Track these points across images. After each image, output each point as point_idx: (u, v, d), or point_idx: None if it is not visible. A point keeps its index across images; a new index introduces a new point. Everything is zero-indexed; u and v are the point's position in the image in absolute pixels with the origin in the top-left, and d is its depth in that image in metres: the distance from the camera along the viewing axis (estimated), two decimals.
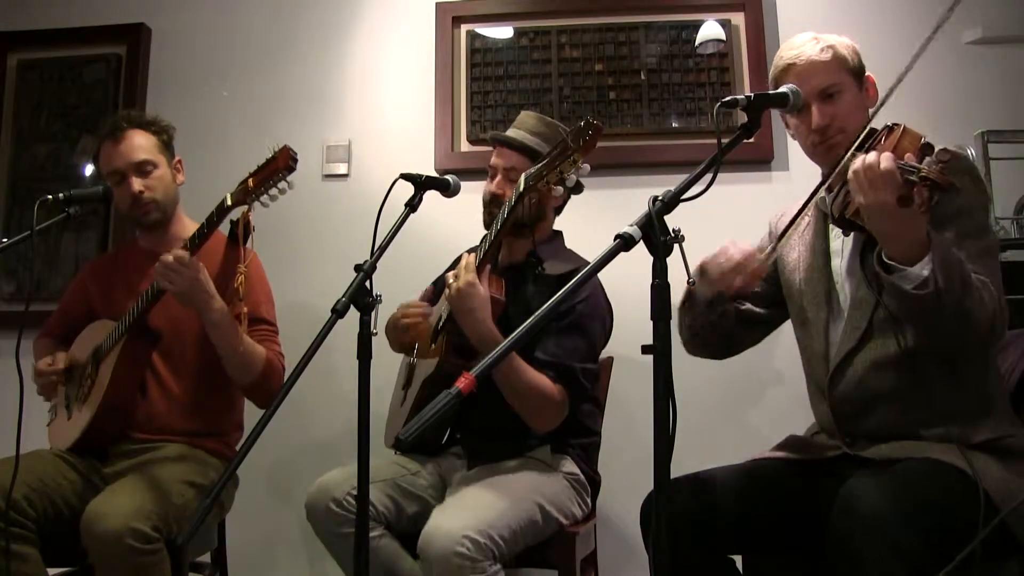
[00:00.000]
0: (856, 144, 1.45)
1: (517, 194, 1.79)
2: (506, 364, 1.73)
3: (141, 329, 1.98)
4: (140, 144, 2.06)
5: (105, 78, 2.95)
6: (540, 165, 1.73)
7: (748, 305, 1.78)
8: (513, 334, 1.14)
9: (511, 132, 2.09)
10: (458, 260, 2.18)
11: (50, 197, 1.92)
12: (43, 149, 2.94)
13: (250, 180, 1.83)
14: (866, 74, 1.62)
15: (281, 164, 1.79)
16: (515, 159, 2.03)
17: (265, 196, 1.84)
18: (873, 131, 1.45)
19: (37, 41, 2.99)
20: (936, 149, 1.29)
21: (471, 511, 1.66)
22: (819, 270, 1.63)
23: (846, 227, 1.48)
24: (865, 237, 1.50)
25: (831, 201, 1.48)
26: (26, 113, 2.97)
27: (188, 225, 2.17)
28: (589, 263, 2.02)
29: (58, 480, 1.90)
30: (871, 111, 1.57)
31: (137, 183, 2.04)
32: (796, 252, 1.70)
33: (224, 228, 2.01)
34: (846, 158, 1.42)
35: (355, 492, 1.74)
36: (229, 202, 1.87)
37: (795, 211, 1.78)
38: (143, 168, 2.05)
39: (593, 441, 2.05)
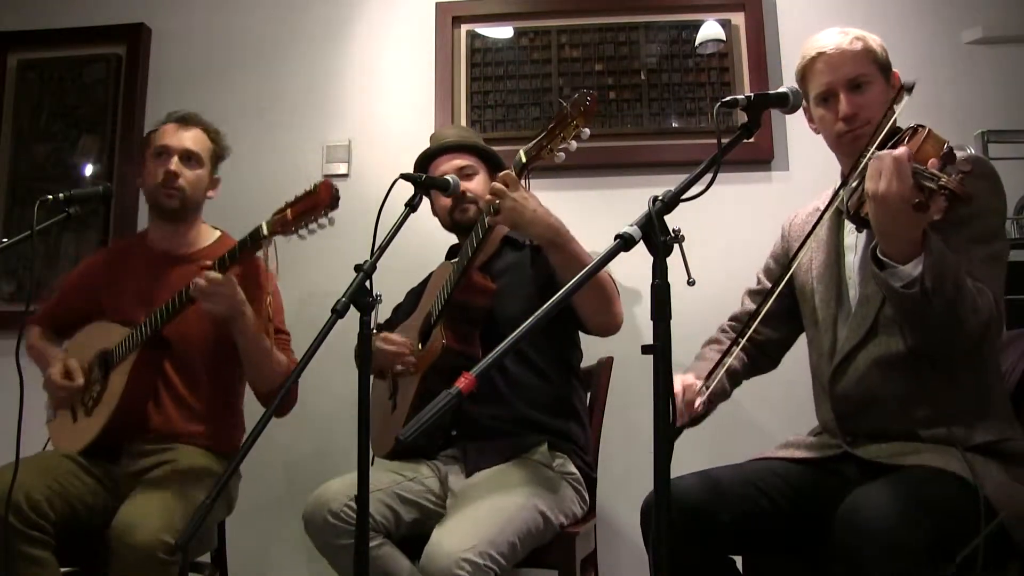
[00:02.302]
0: (879, 142, 1.44)
1: (519, 166, 1.81)
2: (580, 263, 1.77)
3: (157, 341, 1.98)
4: (200, 140, 2.12)
5: (105, 78, 2.95)
6: (540, 138, 1.75)
7: (766, 333, 1.79)
8: (519, 329, 1.13)
9: (443, 142, 2.15)
10: (428, 278, 2.24)
11: (50, 197, 1.92)
12: (43, 149, 2.94)
13: (288, 211, 1.76)
14: (893, 71, 1.62)
15: (323, 199, 1.70)
16: (464, 158, 2.11)
17: (304, 230, 1.75)
18: (898, 130, 1.45)
19: (37, 41, 2.99)
20: (959, 158, 1.28)
21: (471, 529, 1.66)
22: (831, 267, 1.64)
23: (859, 224, 1.48)
24: (870, 251, 1.49)
25: (847, 197, 1.48)
26: (26, 113, 2.97)
27: (205, 233, 2.18)
28: None
29: (74, 482, 1.90)
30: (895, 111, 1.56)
31: (176, 164, 2.06)
32: (808, 252, 1.70)
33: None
34: (868, 155, 1.41)
35: (352, 503, 1.75)
36: (265, 232, 1.80)
37: (807, 213, 1.78)
38: (190, 157, 2.09)
39: (585, 431, 2.05)
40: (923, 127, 1.38)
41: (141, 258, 2.16)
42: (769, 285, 1.82)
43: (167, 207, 2.09)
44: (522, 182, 1.83)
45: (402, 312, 2.26)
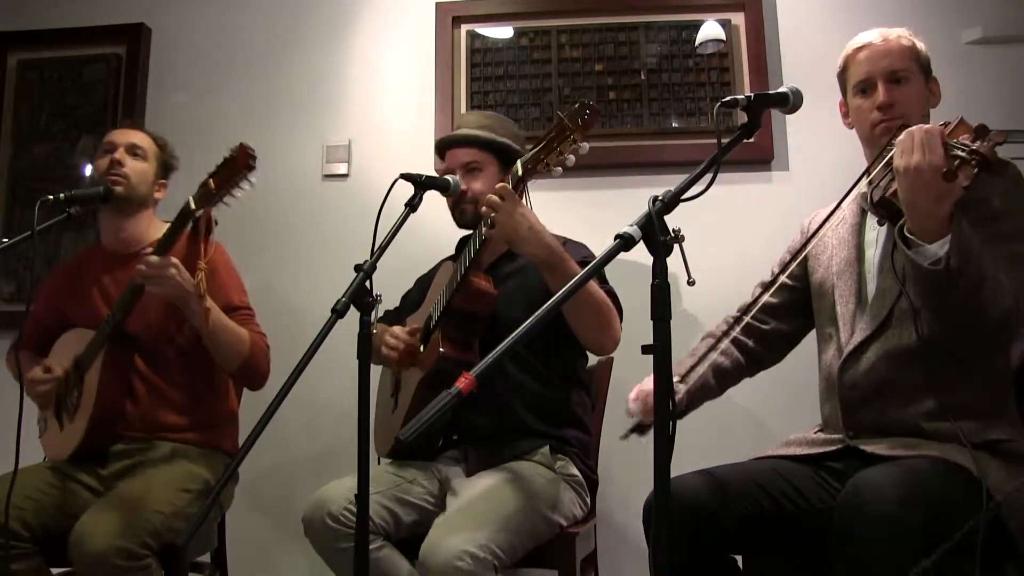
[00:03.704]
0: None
1: (516, 179, 1.77)
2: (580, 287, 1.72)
3: (120, 337, 1.99)
4: (145, 140, 2.17)
5: (105, 78, 2.95)
6: (537, 149, 1.71)
7: (773, 324, 1.79)
8: (516, 332, 1.13)
9: (456, 132, 2.13)
10: (437, 268, 2.22)
11: (51, 197, 1.93)
12: (43, 149, 2.94)
13: (211, 181, 1.81)
14: (933, 75, 1.67)
15: (241, 164, 1.76)
16: (470, 153, 2.07)
17: (229, 196, 1.81)
18: None
19: (37, 41, 2.99)
20: (991, 131, 1.29)
21: (472, 523, 1.66)
22: (851, 264, 1.65)
23: (885, 211, 1.48)
24: (897, 228, 1.50)
25: (871, 190, 1.49)
26: (26, 113, 2.97)
27: (156, 227, 2.17)
28: (568, 239, 2.07)
29: (49, 491, 1.90)
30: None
31: (121, 154, 2.11)
32: (829, 249, 1.71)
33: None
34: (891, 151, 1.43)
35: (350, 506, 1.76)
36: (193, 206, 1.86)
37: (828, 212, 1.79)
38: (134, 150, 2.13)
39: (587, 436, 2.05)
40: (954, 119, 1.39)
41: (97, 263, 2.17)
42: (782, 277, 1.83)
43: (112, 193, 2.08)
44: (525, 194, 1.80)
45: (410, 301, 2.25)
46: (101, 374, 1.96)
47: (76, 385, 2.02)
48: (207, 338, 1.96)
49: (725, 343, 1.67)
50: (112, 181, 2.08)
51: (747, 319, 1.67)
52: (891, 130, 1.57)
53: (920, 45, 1.67)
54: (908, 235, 1.37)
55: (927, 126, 1.32)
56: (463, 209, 2.06)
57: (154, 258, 1.87)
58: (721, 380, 1.76)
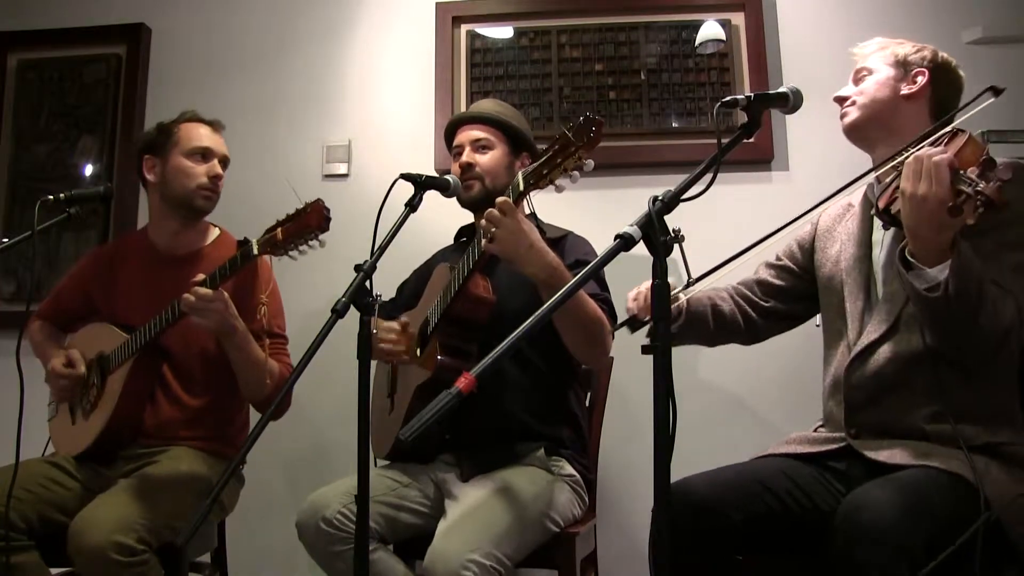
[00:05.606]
0: (918, 143, 1.46)
1: (516, 193, 1.72)
2: (573, 299, 1.67)
3: (153, 349, 1.98)
4: (226, 149, 2.15)
5: (105, 78, 2.95)
6: (539, 163, 1.66)
7: (773, 303, 1.81)
8: (521, 327, 1.13)
9: (465, 113, 2.15)
10: (434, 260, 2.20)
11: (51, 197, 1.92)
12: (43, 149, 2.94)
13: (279, 231, 1.77)
14: (918, 68, 1.65)
15: (313, 222, 1.72)
16: (482, 130, 2.08)
17: (295, 251, 1.77)
18: (933, 132, 1.47)
19: (37, 41, 2.99)
20: (998, 166, 1.28)
21: (477, 531, 1.65)
22: (861, 260, 1.65)
23: (887, 221, 1.48)
24: (899, 251, 1.50)
25: (879, 193, 1.49)
26: (26, 113, 2.97)
27: (206, 231, 2.18)
28: (570, 231, 2.07)
29: (49, 487, 1.90)
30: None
31: (218, 168, 2.09)
32: (838, 244, 1.71)
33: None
34: (904, 154, 1.43)
35: (345, 510, 1.76)
36: (255, 251, 1.82)
37: (840, 207, 1.79)
38: (225, 164, 2.13)
39: (582, 435, 2.04)
40: (963, 131, 1.39)
41: (139, 259, 2.15)
42: (786, 263, 1.85)
43: (201, 208, 2.09)
44: (526, 206, 1.76)
45: (407, 292, 2.24)
46: (126, 381, 1.96)
47: (97, 384, 2.01)
48: (240, 372, 1.96)
49: (736, 264, 1.67)
50: (205, 197, 2.07)
51: (764, 244, 1.66)
52: (844, 115, 1.68)
53: (895, 48, 1.68)
54: (909, 257, 1.37)
55: (937, 157, 1.29)
56: (468, 184, 2.04)
57: (205, 291, 1.83)
58: (717, 320, 1.77)
